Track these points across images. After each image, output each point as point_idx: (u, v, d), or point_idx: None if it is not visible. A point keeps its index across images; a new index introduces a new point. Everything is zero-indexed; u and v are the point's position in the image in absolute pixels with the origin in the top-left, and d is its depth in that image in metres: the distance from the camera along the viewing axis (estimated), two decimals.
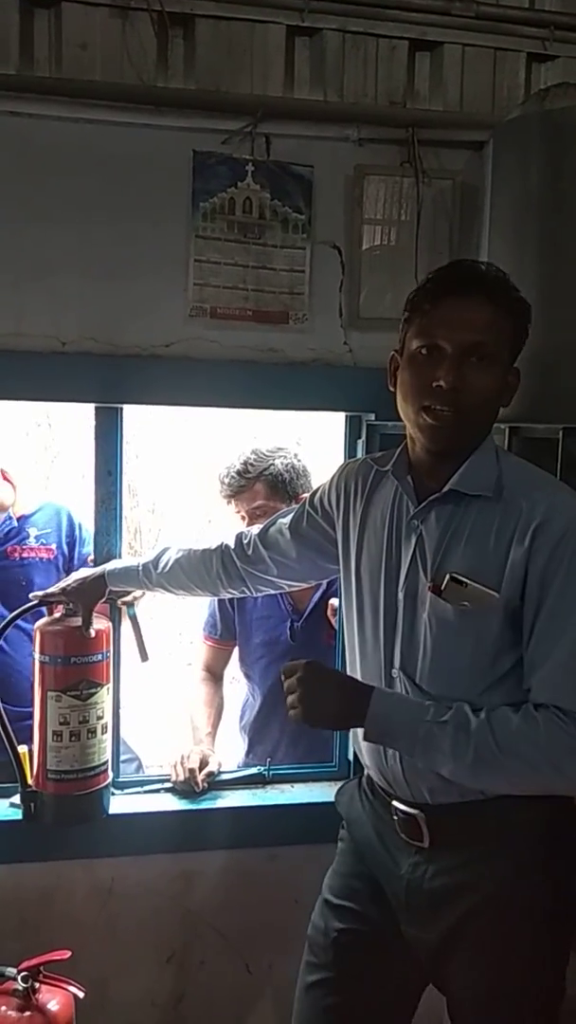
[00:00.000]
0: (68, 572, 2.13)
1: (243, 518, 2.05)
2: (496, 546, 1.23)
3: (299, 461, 2.10)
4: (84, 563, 2.15)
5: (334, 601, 2.01)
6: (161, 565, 1.67)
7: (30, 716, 1.72)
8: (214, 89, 1.76)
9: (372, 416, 1.83)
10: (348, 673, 1.42)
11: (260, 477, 2.03)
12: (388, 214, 1.85)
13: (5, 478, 2.26)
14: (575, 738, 1.14)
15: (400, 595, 1.32)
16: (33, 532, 2.22)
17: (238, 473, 2.04)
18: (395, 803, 1.34)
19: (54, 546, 2.22)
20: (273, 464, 2.04)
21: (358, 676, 1.38)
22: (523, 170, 1.63)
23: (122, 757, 1.97)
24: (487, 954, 1.27)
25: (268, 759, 1.99)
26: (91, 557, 2.16)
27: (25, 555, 2.20)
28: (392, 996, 1.41)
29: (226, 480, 2.06)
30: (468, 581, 1.23)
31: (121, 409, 1.83)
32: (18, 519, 2.23)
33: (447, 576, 1.24)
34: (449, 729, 1.18)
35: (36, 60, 1.71)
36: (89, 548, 2.19)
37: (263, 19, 1.76)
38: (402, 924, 1.35)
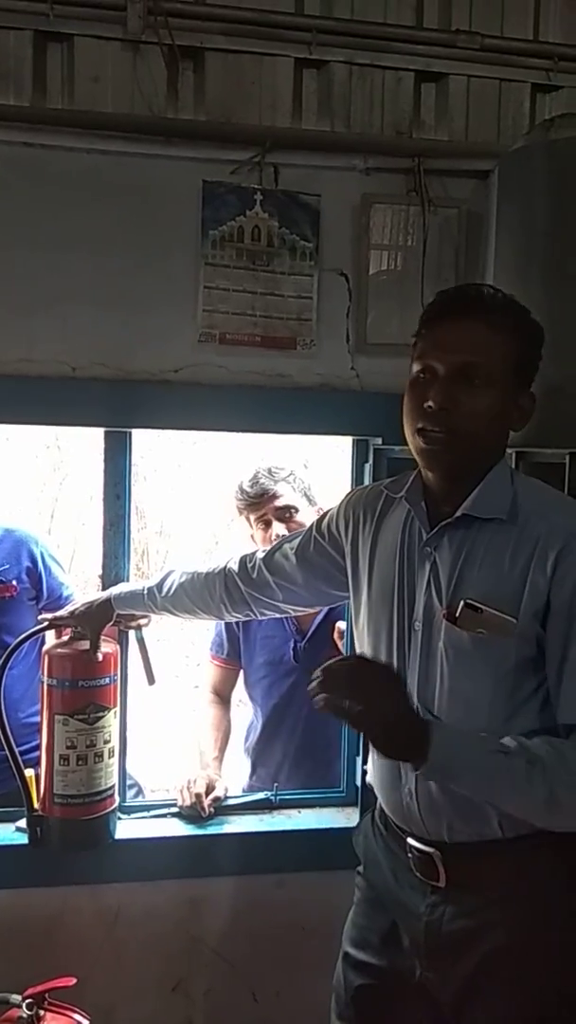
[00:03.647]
0: (42, 606, 2.11)
1: (268, 523, 2.05)
2: (511, 570, 1.19)
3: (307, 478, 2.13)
4: (57, 594, 2.14)
5: (341, 624, 2.01)
6: (165, 589, 1.67)
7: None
8: (223, 120, 1.79)
9: (379, 440, 1.84)
10: None
11: (284, 480, 2.06)
12: (395, 241, 1.87)
13: None
14: None
15: (416, 624, 1.28)
16: None
17: (264, 476, 2.05)
18: (410, 840, 1.31)
19: (15, 583, 2.08)
20: (294, 472, 2.08)
21: None
22: (528, 199, 1.64)
23: None
24: (508, 1001, 1.23)
25: (275, 784, 1.98)
26: (68, 591, 2.15)
27: None
28: None
29: (250, 484, 2.06)
30: (483, 607, 1.20)
31: (130, 433, 1.85)
32: None
33: (461, 603, 1.21)
34: (518, 763, 1.11)
35: (49, 92, 1.74)
36: (59, 576, 2.16)
37: (271, 52, 1.79)
38: (420, 970, 1.31)
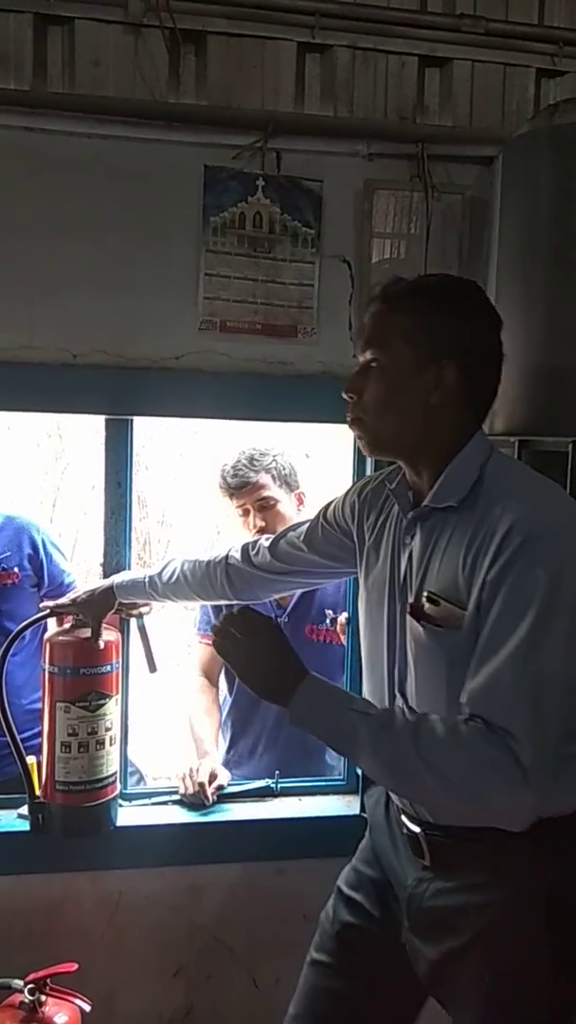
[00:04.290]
0: (43, 593, 2.11)
1: (247, 511, 2.07)
2: (465, 560, 1.17)
3: (290, 460, 2.15)
4: (59, 580, 2.14)
5: (341, 617, 2.02)
6: (167, 577, 1.67)
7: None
8: (225, 105, 1.78)
9: None
10: (364, 693, 1.39)
11: (265, 469, 2.07)
12: (398, 228, 1.86)
13: None
14: (497, 757, 1.07)
15: (398, 614, 1.30)
16: None
17: (244, 465, 2.06)
18: (403, 817, 1.33)
19: (16, 570, 2.09)
20: (275, 459, 2.09)
21: (368, 695, 1.37)
22: (532, 185, 1.63)
23: None
24: (484, 985, 1.22)
25: (276, 772, 1.98)
26: (69, 578, 2.16)
27: None
28: (393, 997, 1.40)
29: (231, 474, 2.07)
30: (441, 599, 1.19)
31: (131, 421, 1.84)
32: None
33: (424, 595, 1.21)
34: (372, 723, 1.16)
35: (50, 76, 1.73)
36: (60, 564, 2.17)
37: (274, 36, 1.78)
38: (403, 932, 1.34)
